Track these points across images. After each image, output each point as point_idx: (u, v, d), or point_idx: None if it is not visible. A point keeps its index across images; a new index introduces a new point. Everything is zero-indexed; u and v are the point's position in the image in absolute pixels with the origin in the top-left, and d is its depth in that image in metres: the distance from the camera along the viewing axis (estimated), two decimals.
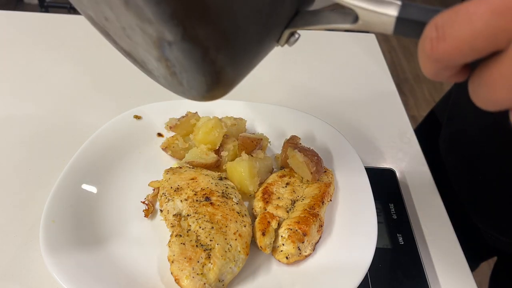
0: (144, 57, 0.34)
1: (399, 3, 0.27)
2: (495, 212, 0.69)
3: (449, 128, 0.78)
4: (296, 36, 0.35)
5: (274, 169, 0.63)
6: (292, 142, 0.62)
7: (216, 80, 0.31)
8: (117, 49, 0.38)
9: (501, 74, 0.23)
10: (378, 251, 0.49)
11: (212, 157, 0.60)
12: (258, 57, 0.35)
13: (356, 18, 0.29)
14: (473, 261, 0.77)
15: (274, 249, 0.50)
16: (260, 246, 0.49)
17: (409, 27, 0.27)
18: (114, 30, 0.33)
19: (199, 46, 0.27)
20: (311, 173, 0.56)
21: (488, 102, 0.25)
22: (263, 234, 0.49)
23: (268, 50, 0.36)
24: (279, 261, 0.50)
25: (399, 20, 0.27)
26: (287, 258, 0.49)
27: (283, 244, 0.49)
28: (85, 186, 0.57)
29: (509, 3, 0.22)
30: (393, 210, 0.60)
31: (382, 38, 3.28)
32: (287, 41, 0.35)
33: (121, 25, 0.31)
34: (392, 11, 0.27)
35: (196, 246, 0.47)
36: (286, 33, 0.34)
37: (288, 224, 0.51)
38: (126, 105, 0.70)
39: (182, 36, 0.26)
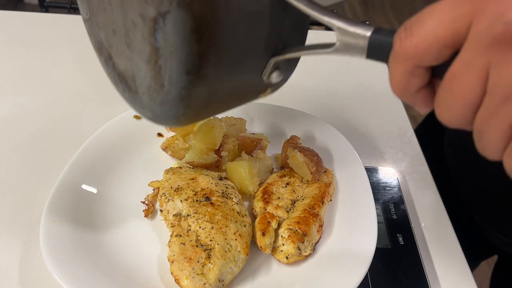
0: (135, 68, 0.36)
1: (373, 27, 0.29)
2: (500, 214, 0.69)
3: (454, 132, 0.78)
4: (279, 73, 0.37)
5: (274, 169, 0.63)
6: (292, 142, 0.62)
7: (197, 69, 0.31)
8: (112, 80, 0.42)
9: (463, 63, 0.24)
10: (378, 251, 0.49)
11: (212, 157, 0.60)
12: (240, 75, 0.36)
13: (331, 46, 0.31)
14: (473, 260, 0.77)
15: (274, 249, 0.50)
16: (260, 246, 0.49)
17: (381, 48, 0.28)
18: (117, 46, 0.38)
19: (191, 16, 0.29)
20: (311, 173, 0.56)
21: (452, 110, 0.25)
22: (263, 234, 0.49)
23: (251, 79, 0.37)
24: (279, 261, 0.50)
25: (372, 40, 0.28)
26: (287, 258, 0.49)
27: (283, 244, 0.49)
28: (85, 186, 0.57)
29: None
30: (393, 210, 0.60)
31: None
32: (270, 75, 0.37)
33: (125, 29, 0.35)
34: (366, 32, 0.29)
35: (196, 246, 0.47)
36: (271, 63, 0.36)
37: (288, 224, 0.51)
38: (126, 105, 0.70)
39: (178, 2, 0.29)
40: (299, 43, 0.38)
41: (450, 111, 0.26)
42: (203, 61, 0.31)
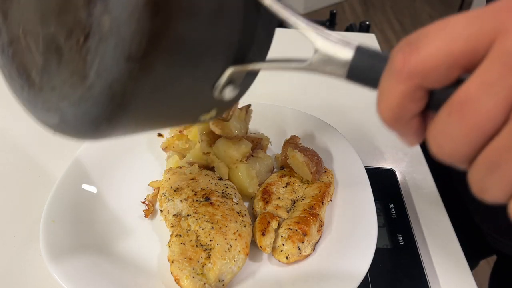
0: (44, 56, 0.29)
1: (355, 44, 0.25)
2: (499, 216, 0.69)
3: None
4: (233, 87, 0.32)
5: (274, 169, 0.63)
6: (292, 142, 0.62)
7: (142, 55, 0.24)
8: (6, 74, 0.33)
9: (483, 84, 0.20)
10: (378, 251, 0.49)
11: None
12: (190, 80, 0.29)
13: (305, 62, 0.27)
14: (473, 260, 0.77)
15: (274, 249, 0.50)
16: (260, 246, 0.49)
17: (366, 68, 0.25)
18: (27, 25, 0.29)
19: None
20: (311, 173, 0.56)
21: (458, 141, 0.22)
22: (263, 234, 0.49)
23: (200, 89, 0.31)
24: (279, 261, 0.50)
25: (356, 58, 0.25)
26: (287, 258, 0.49)
27: (283, 244, 0.49)
28: (85, 186, 0.57)
29: (494, 8, 0.21)
30: (393, 210, 0.60)
31: (382, 38, 3.28)
32: (223, 89, 0.31)
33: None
34: (349, 49, 0.25)
35: (196, 246, 0.47)
36: (228, 72, 0.31)
37: (288, 224, 0.51)
38: None
39: None
40: (261, 55, 0.33)
41: (454, 143, 0.22)
42: (152, 46, 0.24)
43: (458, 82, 0.22)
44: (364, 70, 0.25)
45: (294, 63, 0.28)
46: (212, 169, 0.59)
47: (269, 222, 0.51)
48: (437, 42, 0.21)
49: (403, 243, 0.56)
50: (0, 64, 0.33)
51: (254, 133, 0.66)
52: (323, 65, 0.26)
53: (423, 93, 0.23)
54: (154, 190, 0.58)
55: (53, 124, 0.31)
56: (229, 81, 0.31)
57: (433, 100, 0.23)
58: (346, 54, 0.25)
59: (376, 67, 0.25)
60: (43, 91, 0.30)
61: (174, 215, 0.51)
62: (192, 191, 0.53)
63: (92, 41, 0.25)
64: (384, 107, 0.24)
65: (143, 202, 0.57)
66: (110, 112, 0.27)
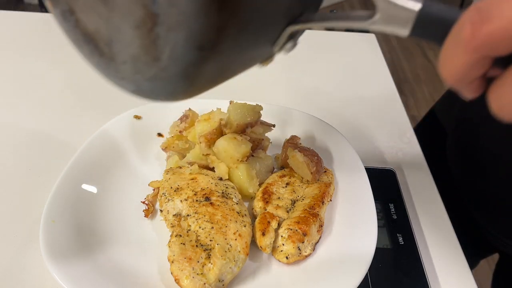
0: (113, 31, 0.28)
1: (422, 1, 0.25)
2: (502, 216, 0.68)
3: (457, 134, 0.77)
4: (293, 42, 0.33)
5: (274, 169, 0.63)
6: (292, 142, 0.62)
7: (212, 44, 0.26)
8: (72, 39, 0.33)
9: None
10: (378, 251, 0.49)
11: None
12: (254, 48, 0.32)
13: (368, 18, 0.27)
14: (473, 259, 0.77)
15: (274, 249, 0.50)
16: (260, 246, 0.49)
17: (432, 25, 0.24)
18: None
19: None
20: (311, 173, 0.56)
21: None
22: (263, 234, 0.49)
23: (262, 50, 0.33)
24: (279, 261, 0.50)
25: (422, 14, 0.24)
26: (287, 258, 0.49)
27: (283, 244, 0.49)
28: (85, 186, 0.57)
29: None
30: (393, 210, 0.60)
31: (382, 38, 3.28)
32: (283, 46, 0.33)
33: None
34: (415, 4, 0.25)
35: (196, 246, 0.47)
36: (287, 32, 0.32)
37: (288, 224, 0.51)
38: (126, 105, 0.70)
39: None
40: (314, 9, 0.33)
41: None
42: (221, 35, 0.26)
43: None
44: (429, 27, 0.25)
45: (353, 21, 0.28)
46: (212, 169, 0.59)
47: (269, 222, 0.51)
48: (509, 13, 0.20)
49: (403, 243, 0.56)
50: (65, 30, 0.33)
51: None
52: (387, 21, 0.26)
53: (488, 61, 0.23)
54: (154, 190, 0.58)
55: (129, 90, 0.33)
56: (290, 38, 0.32)
57: (497, 62, 0.23)
58: (414, 6, 0.25)
59: (443, 26, 0.24)
60: (114, 62, 0.30)
61: (174, 215, 0.51)
62: (192, 191, 0.53)
63: (161, 29, 0.25)
64: (447, 72, 0.24)
65: (143, 202, 0.57)
66: (185, 88, 0.30)
